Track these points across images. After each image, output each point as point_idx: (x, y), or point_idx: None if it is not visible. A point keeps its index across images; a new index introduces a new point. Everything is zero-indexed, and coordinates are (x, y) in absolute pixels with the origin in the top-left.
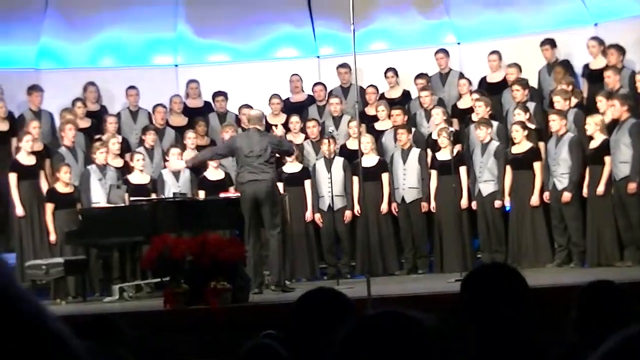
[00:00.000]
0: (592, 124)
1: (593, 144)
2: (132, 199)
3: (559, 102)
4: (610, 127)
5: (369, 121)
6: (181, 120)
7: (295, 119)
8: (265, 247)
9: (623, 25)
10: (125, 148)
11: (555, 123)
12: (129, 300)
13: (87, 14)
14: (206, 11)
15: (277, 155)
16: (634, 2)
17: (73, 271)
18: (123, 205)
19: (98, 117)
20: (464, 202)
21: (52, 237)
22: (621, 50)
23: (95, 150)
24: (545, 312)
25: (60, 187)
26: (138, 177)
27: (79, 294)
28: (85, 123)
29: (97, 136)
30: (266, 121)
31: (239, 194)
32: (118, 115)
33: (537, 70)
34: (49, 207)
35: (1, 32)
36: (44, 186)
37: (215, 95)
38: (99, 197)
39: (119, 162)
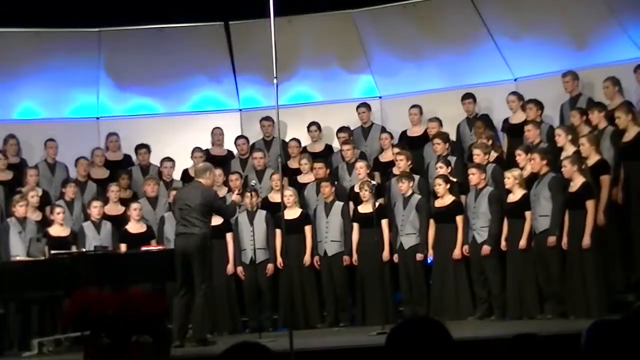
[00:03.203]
0: (511, 178)
1: (512, 198)
2: (52, 252)
3: (478, 156)
4: (529, 181)
5: (291, 174)
6: (103, 173)
7: (217, 172)
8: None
9: (542, 82)
10: (45, 201)
11: (475, 177)
12: (48, 354)
13: (7, 65)
14: (128, 64)
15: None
16: (553, 60)
17: None
18: (43, 258)
19: (19, 170)
20: (385, 255)
21: None
22: (540, 105)
23: (14, 203)
24: None
25: None
26: (58, 230)
27: None
28: (6, 175)
29: (18, 189)
30: (188, 174)
31: (160, 247)
32: (36, 167)
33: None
34: None
35: None
36: None
37: (138, 148)
38: (18, 250)
39: (39, 215)
